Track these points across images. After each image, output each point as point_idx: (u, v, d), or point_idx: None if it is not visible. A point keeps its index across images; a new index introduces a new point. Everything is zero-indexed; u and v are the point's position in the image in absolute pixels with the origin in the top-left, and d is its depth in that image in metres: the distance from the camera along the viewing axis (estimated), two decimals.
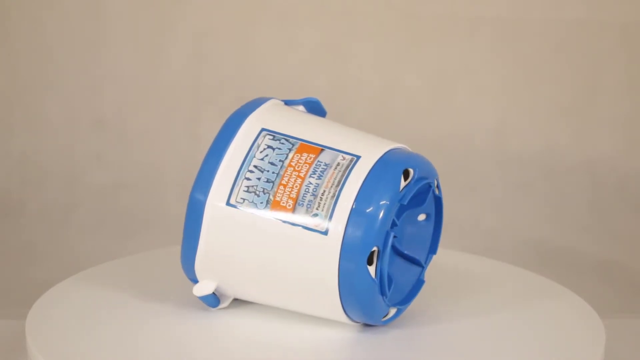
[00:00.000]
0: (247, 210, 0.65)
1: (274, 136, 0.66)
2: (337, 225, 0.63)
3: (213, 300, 0.69)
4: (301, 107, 0.71)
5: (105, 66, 1.32)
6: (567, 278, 0.93)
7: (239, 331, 0.68)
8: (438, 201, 0.70)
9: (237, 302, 0.72)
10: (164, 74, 1.32)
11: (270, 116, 0.68)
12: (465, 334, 0.68)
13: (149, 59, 1.33)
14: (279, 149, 0.66)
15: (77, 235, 1.23)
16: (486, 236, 1.24)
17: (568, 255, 1.21)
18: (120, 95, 1.32)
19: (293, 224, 0.64)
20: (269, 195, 0.65)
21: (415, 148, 0.70)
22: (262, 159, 0.66)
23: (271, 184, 0.65)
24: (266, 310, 0.70)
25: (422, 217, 0.70)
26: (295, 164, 0.65)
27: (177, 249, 0.73)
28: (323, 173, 0.64)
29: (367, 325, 0.68)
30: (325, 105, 0.73)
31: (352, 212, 0.63)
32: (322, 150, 0.66)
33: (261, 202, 0.65)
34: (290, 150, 0.66)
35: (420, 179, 0.66)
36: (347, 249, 0.63)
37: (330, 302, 0.65)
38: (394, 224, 0.64)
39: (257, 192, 0.65)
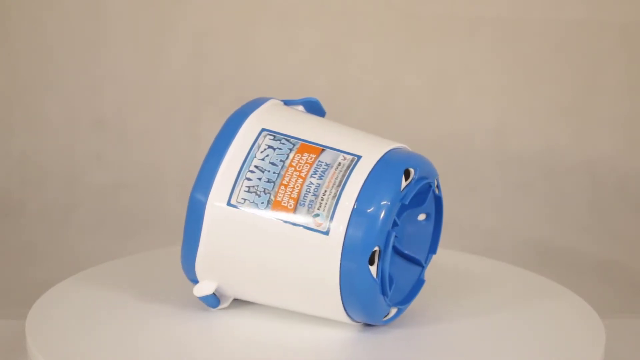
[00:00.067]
0: (248, 210, 0.65)
1: (274, 136, 0.66)
2: (339, 225, 0.63)
3: (213, 300, 0.69)
4: (300, 107, 0.71)
5: (105, 66, 1.32)
6: (567, 278, 0.93)
7: (239, 331, 0.68)
8: (438, 201, 0.70)
9: (237, 302, 0.72)
10: (164, 74, 1.32)
11: (270, 116, 0.68)
12: (465, 334, 0.68)
13: (149, 59, 1.33)
14: (280, 149, 0.66)
15: (77, 235, 1.23)
16: (486, 236, 1.24)
17: (568, 255, 1.21)
18: (120, 95, 1.32)
19: (294, 224, 0.64)
20: (270, 196, 0.65)
21: (415, 148, 0.70)
22: (262, 159, 0.66)
23: (272, 184, 0.65)
24: (266, 310, 0.70)
25: (422, 216, 0.70)
26: (296, 164, 0.65)
27: (177, 249, 0.73)
28: (324, 173, 0.64)
29: (367, 325, 0.68)
30: (325, 105, 0.73)
31: (354, 212, 0.63)
32: (323, 150, 0.66)
33: (262, 203, 0.65)
34: (291, 150, 0.66)
35: (420, 178, 0.66)
36: (348, 249, 0.63)
37: (331, 302, 0.65)
38: (395, 224, 0.64)
39: (258, 192, 0.65)
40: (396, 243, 0.67)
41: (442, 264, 0.78)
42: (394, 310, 0.68)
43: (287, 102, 0.71)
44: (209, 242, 0.66)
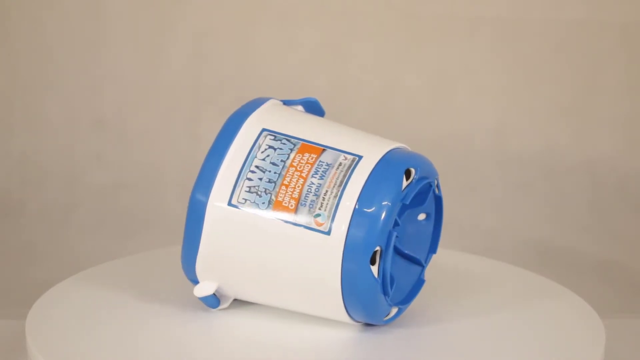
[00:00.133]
0: (249, 210, 0.65)
1: (275, 136, 0.66)
2: (340, 225, 0.63)
3: (213, 301, 0.69)
4: (300, 107, 0.71)
5: (105, 66, 1.32)
6: (567, 278, 0.93)
7: (239, 331, 0.68)
8: (438, 201, 0.70)
9: (237, 302, 0.72)
10: (164, 74, 1.32)
11: (270, 116, 0.68)
12: (465, 334, 0.68)
13: (149, 59, 1.33)
14: (281, 149, 0.66)
15: (77, 235, 1.23)
16: (486, 236, 1.24)
17: (568, 255, 1.21)
18: (120, 95, 1.32)
19: (295, 224, 0.64)
20: (271, 196, 0.65)
21: (415, 148, 0.70)
22: (263, 159, 0.66)
23: (273, 184, 0.65)
24: (266, 310, 0.70)
25: (422, 216, 0.70)
26: (297, 164, 0.65)
27: (177, 249, 0.73)
28: (325, 173, 0.64)
29: (367, 324, 0.68)
30: (325, 105, 0.73)
31: (355, 212, 0.63)
32: (324, 150, 0.66)
33: (263, 203, 0.65)
34: (291, 150, 0.66)
35: (421, 178, 0.66)
36: (350, 249, 0.63)
37: (332, 302, 0.65)
38: (396, 224, 0.64)
39: (259, 193, 0.65)
40: (396, 243, 0.67)
41: (442, 264, 0.78)
42: (394, 310, 0.68)
43: (286, 102, 0.71)
44: (209, 242, 0.66)
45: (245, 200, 0.65)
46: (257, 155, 0.66)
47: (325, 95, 1.26)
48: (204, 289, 0.68)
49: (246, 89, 1.30)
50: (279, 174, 0.65)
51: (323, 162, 0.65)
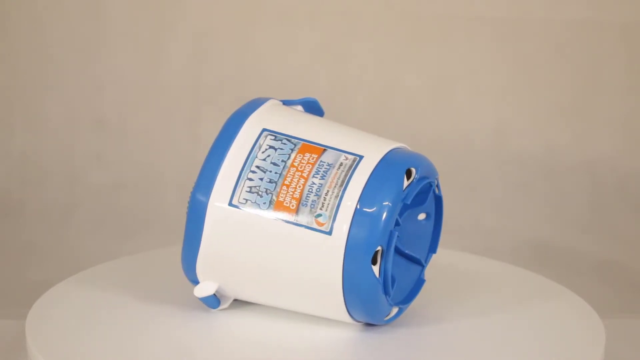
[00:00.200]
0: (249, 210, 0.65)
1: (275, 136, 0.66)
2: (342, 225, 0.63)
3: (213, 301, 0.69)
4: (299, 107, 0.71)
5: (105, 66, 1.32)
6: (567, 278, 0.93)
7: (239, 331, 0.68)
8: (438, 200, 0.70)
9: (237, 302, 0.72)
10: (164, 74, 1.32)
11: (270, 116, 0.68)
12: (465, 334, 0.68)
13: (149, 59, 1.33)
14: (281, 149, 0.66)
15: (77, 235, 1.23)
16: (486, 236, 1.24)
17: (568, 255, 1.21)
18: (120, 95, 1.32)
19: (297, 224, 0.64)
20: (271, 196, 0.65)
21: (415, 148, 0.70)
22: (264, 160, 0.66)
23: (274, 184, 0.65)
24: (266, 310, 0.70)
25: (422, 216, 0.70)
26: (298, 164, 0.65)
27: (177, 249, 0.73)
28: (326, 173, 0.64)
29: (368, 324, 0.68)
30: (325, 105, 0.73)
31: (356, 212, 0.63)
32: (325, 150, 0.66)
33: (264, 203, 0.65)
34: (292, 150, 0.66)
35: (422, 178, 0.66)
36: (351, 249, 0.63)
37: (333, 302, 0.65)
38: (397, 224, 0.64)
39: (260, 193, 0.65)
40: (397, 242, 0.67)
41: (442, 264, 0.78)
42: (395, 310, 0.68)
43: (286, 102, 0.71)
44: (210, 242, 0.66)
45: (246, 200, 0.65)
46: (258, 156, 0.66)
47: (325, 95, 1.26)
48: (204, 289, 0.68)
49: (246, 89, 1.30)
50: (280, 174, 0.65)
51: (324, 162, 0.65)
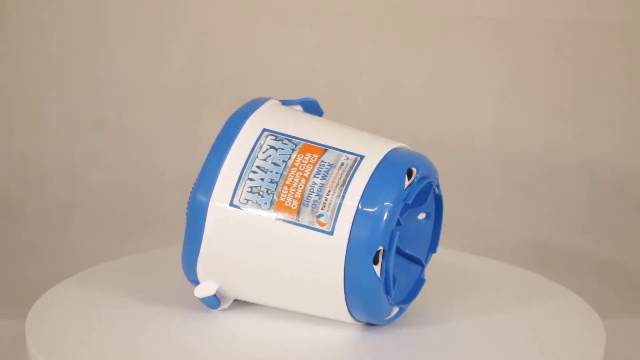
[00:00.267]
0: (251, 210, 0.65)
1: (276, 136, 0.66)
2: (343, 225, 0.63)
3: (214, 301, 0.69)
4: (298, 107, 0.71)
5: (105, 66, 1.32)
6: (567, 278, 0.93)
7: (239, 331, 0.68)
8: (438, 200, 0.70)
9: (237, 302, 0.72)
10: (164, 74, 1.32)
11: (270, 116, 0.68)
12: (465, 334, 0.68)
13: (149, 59, 1.33)
14: (282, 149, 0.66)
15: (77, 235, 1.23)
16: (486, 236, 1.24)
17: (568, 255, 1.21)
18: (120, 95, 1.32)
19: (298, 224, 0.64)
20: (273, 196, 0.65)
21: (415, 148, 0.70)
22: (265, 160, 0.66)
23: (275, 184, 0.65)
24: (266, 310, 0.70)
25: (422, 216, 0.70)
26: (299, 164, 0.65)
27: (177, 249, 0.73)
28: (327, 173, 0.64)
29: (368, 324, 0.68)
30: (325, 105, 0.73)
31: (358, 212, 0.63)
32: (326, 150, 0.66)
33: (265, 203, 0.65)
34: (293, 150, 0.66)
35: (423, 178, 0.66)
36: (353, 249, 0.63)
37: (334, 302, 0.65)
38: (398, 223, 0.64)
39: (261, 193, 0.65)
40: (398, 242, 0.67)
41: (442, 264, 0.78)
42: (395, 310, 0.68)
43: (285, 102, 0.71)
44: (211, 243, 0.66)
45: (247, 200, 0.65)
46: (259, 156, 0.66)
47: (325, 95, 1.26)
48: (204, 289, 0.68)
49: (246, 89, 1.30)
50: (281, 174, 0.65)
51: (325, 162, 0.65)
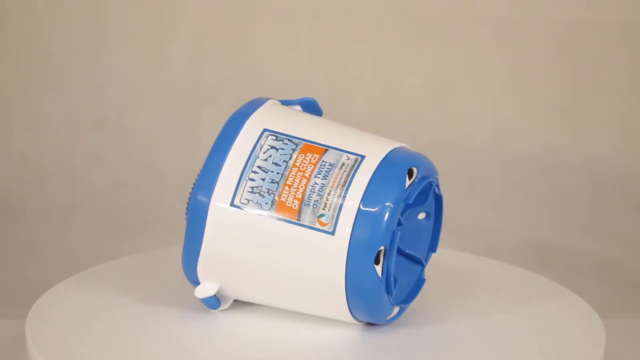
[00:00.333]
0: (252, 211, 0.65)
1: (276, 137, 0.66)
2: (344, 225, 0.63)
3: (214, 302, 0.69)
4: (298, 107, 0.71)
5: (105, 66, 1.32)
6: (567, 278, 0.93)
7: (239, 331, 0.68)
8: (438, 200, 0.70)
9: (237, 302, 0.72)
10: (164, 74, 1.32)
11: (270, 116, 0.68)
12: (465, 334, 0.68)
13: (149, 59, 1.33)
14: (283, 149, 0.66)
15: (77, 235, 1.23)
16: (486, 236, 1.24)
17: (568, 255, 1.21)
18: (120, 95, 1.32)
19: (299, 225, 0.64)
20: (274, 196, 0.65)
21: (416, 148, 0.70)
22: (265, 160, 0.66)
23: (276, 184, 0.65)
24: (267, 310, 0.70)
25: (422, 215, 0.70)
26: (300, 164, 0.65)
27: (177, 249, 0.73)
28: (328, 173, 0.64)
29: (368, 324, 0.68)
30: (325, 105, 0.73)
31: (359, 212, 0.63)
32: (326, 150, 0.66)
33: (266, 203, 0.65)
34: (294, 150, 0.66)
35: (423, 177, 0.66)
36: (354, 249, 0.63)
37: (335, 302, 0.65)
38: (399, 223, 0.64)
39: (262, 193, 0.65)
40: (398, 242, 0.67)
41: (442, 264, 0.78)
42: (396, 309, 0.68)
43: (284, 102, 0.71)
44: (211, 243, 0.66)
45: (248, 200, 0.65)
46: (259, 156, 0.66)
47: (325, 95, 1.26)
48: (205, 290, 0.68)
49: (246, 89, 1.30)
50: (282, 175, 0.65)
51: (326, 162, 0.65)
